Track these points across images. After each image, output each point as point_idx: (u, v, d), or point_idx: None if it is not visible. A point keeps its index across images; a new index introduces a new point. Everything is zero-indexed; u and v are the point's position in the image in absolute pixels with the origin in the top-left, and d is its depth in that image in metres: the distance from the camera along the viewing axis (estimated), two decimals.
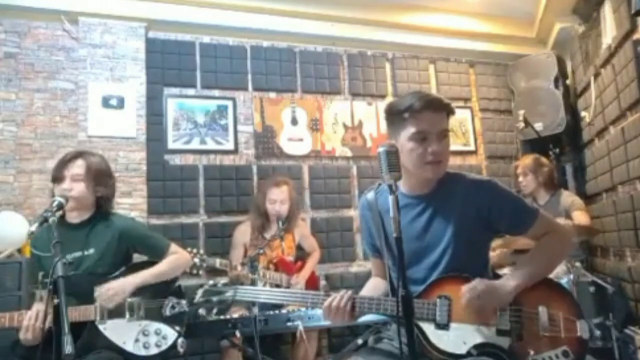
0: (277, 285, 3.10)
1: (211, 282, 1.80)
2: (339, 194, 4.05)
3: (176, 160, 3.71)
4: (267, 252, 3.15)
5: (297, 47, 4.16)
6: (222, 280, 1.90)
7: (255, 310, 2.34)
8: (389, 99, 4.29)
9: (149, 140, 3.57)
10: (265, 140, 3.93)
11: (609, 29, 3.41)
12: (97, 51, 3.51)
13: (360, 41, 4.25)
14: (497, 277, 1.59)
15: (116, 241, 2.15)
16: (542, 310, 1.48)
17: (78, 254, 2.09)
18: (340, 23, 4.11)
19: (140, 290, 2.12)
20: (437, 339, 1.47)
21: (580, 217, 3.19)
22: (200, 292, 1.76)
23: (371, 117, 4.25)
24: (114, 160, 3.38)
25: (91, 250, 2.11)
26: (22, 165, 3.34)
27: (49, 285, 1.60)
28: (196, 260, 2.84)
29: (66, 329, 1.49)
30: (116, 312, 2.05)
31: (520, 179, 3.48)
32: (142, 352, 2.04)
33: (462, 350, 1.44)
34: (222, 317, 2.53)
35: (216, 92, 3.91)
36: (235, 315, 2.64)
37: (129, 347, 2.03)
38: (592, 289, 2.76)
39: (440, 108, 1.57)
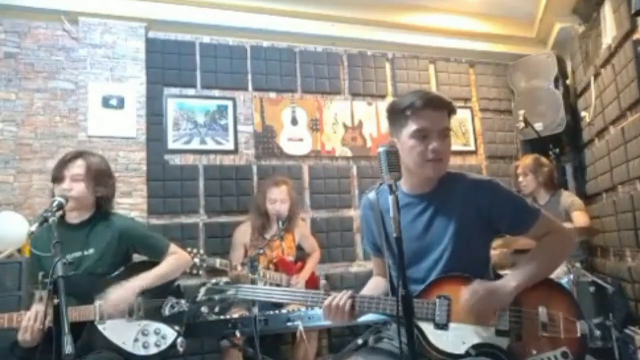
0: (277, 285, 3.10)
1: (214, 280, 1.82)
2: (339, 194, 4.05)
3: (176, 160, 3.71)
4: (267, 252, 3.15)
5: (297, 47, 4.16)
6: (224, 279, 1.91)
7: (255, 310, 2.34)
8: (389, 99, 4.29)
9: (149, 140, 3.57)
10: (265, 140, 3.94)
11: (609, 29, 3.41)
12: (97, 51, 3.51)
13: (360, 41, 4.25)
14: (498, 277, 1.59)
15: (116, 241, 2.15)
16: (542, 310, 1.48)
17: (78, 254, 2.09)
18: (340, 23, 4.11)
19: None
20: (436, 338, 1.47)
21: (580, 218, 3.19)
22: (202, 290, 1.78)
23: (371, 117, 4.25)
24: (114, 160, 3.38)
25: (91, 251, 2.11)
26: (22, 165, 3.34)
27: (49, 285, 1.60)
28: (196, 260, 2.84)
29: (66, 329, 1.49)
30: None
31: (520, 179, 3.48)
32: (142, 352, 2.04)
33: (460, 350, 1.44)
34: (222, 317, 2.53)
35: (216, 92, 3.91)
36: (235, 315, 2.64)
37: (129, 347, 2.03)
38: (592, 289, 2.76)
39: (441, 106, 1.57)
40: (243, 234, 3.30)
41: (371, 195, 1.72)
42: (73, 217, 2.15)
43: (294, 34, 4.06)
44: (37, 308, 1.91)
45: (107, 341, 2.00)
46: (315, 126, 4.09)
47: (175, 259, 2.26)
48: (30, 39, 3.49)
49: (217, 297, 1.75)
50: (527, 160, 3.50)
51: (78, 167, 2.12)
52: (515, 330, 1.46)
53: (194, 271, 2.82)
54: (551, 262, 1.61)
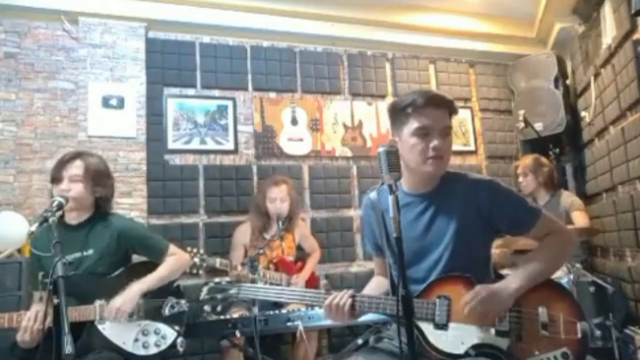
0: (278, 285, 3.10)
1: (216, 280, 1.83)
2: (339, 194, 4.05)
3: (176, 160, 3.71)
4: (267, 252, 3.16)
5: (297, 47, 4.16)
6: (226, 278, 1.92)
7: (255, 310, 2.33)
8: (389, 99, 4.29)
9: (149, 140, 3.57)
10: (265, 140, 3.94)
11: (609, 29, 3.41)
12: (97, 51, 3.51)
13: (360, 41, 4.25)
14: (499, 277, 1.59)
15: (115, 242, 2.15)
16: (542, 311, 1.48)
17: (77, 254, 2.09)
18: (340, 23, 4.11)
19: None
20: (436, 338, 1.47)
21: (580, 218, 3.19)
22: (205, 289, 1.79)
23: (371, 117, 4.25)
24: (114, 160, 3.38)
25: (90, 251, 2.10)
26: (22, 165, 3.34)
27: (49, 285, 1.60)
28: (196, 260, 2.84)
29: (66, 329, 1.49)
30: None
31: (520, 179, 3.47)
32: (142, 352, 2.04)
33: (460, 350, 1.44)
34: (222, 317, 2.53)
35: (216, 92, 3.91)
36: (235, 315, 2.64)
37: (129, 347, 2.03)
38: (592, 289, 2.75)
39: (442, 105, 1.57)
40: (243, 234, 3.30)
41: (372, 195, 1.72)
42: (72, 218, 2.15)
43: (294, 34, 4.06)
44: (37, 308, 1.91)
45: (107, 341, 2.00)
46: (315, 126, 4.09)
47: (175, 259, 2.26)
48: (30, 39, 3.49)
49: (219, 296, 1.77)
50: (527, 160, 3.49)
51: (76, 168, 2.12)
52: (515, 331, 1.46)
53: (194, 271, 2.83)
54: (552, 263, 1.61)
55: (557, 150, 3.84)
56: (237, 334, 2.55)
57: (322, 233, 3.88)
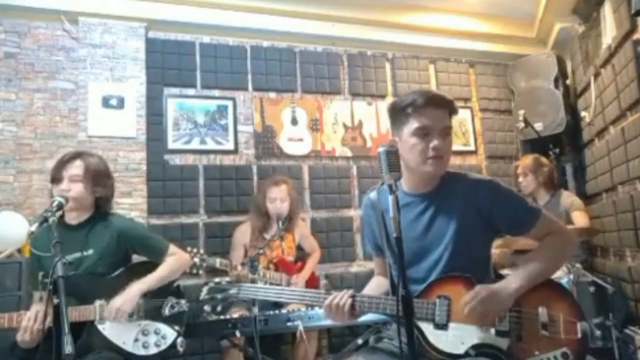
0: (278, 285, 3.10)
1: (216, 279, 1.83)
2: (339, 194, 4.05)
3: (176, 160, 3.71)
4: (267, 252, 3.16)
5: (297, 47, 4.16)
6: (227, 278, 1.93)
7: (255, 310, 2.33)
8: (389, 99, 4.29)
9: (149, 140, 3.57)
10: (265, 140, 3.94)
11: (609, 29, 3.41)
12: (97, 51, 3.51)
13: (360, 41, 4.25)
14: (500, 277, 1.59)
15: (115, 242, 2.15)
16: (542, 311, 1.48)
17: (77, 254, 2.09)
18: (340, 23, 4.11)
19: None
20: (436, 338, 1.47)
21: (580, 218, 3.19)
22: (205, 289, 1.80)
23: (371, 117, 4.25)
24: (114, 160, 3.38)
25: (90, 251, 2.10)
26: (22, 165, 3.34)
27: (49, 285, 1.60)
28: (196, 260, 2.84)
29: (66, 329, 1.49)
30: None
31: (520, 179, 3.47)
32: (142, 352, 2.04)
33: (460, 350, 1.44)
34: (222, 317, 2.53)
35: (216, 92, 3.91)
36: (235, 315, 2.64)
37: (129, 347, 2.03)
38: (592, 289, 2.75)
39: (443, 105, 1.58)
40: (243, 234, 3.30)
41: (372, 195, 1.73)
42: (72, 218, 2.15)
43: (294, 34, 4.06)
44: (37, 308, 1.91)
45: (107, 341, 2.00)
46: (315, 126, 4.09)
47: (175, 259, 2.26)
48: (30, 39, 3.49)
49: (219, 296, 1.77)
50: (527, 160, 3.49)
51: (76, 168, 2.12)
52: (515, 331, 1.46)
53: (194, 271, 2.83)
54: (553, 263, 1.61)
55: (557, 150, 3.84)
56: (237, 334, 2.55)
57: (322, 233, 3.88)
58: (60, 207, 1.84)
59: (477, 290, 1.46)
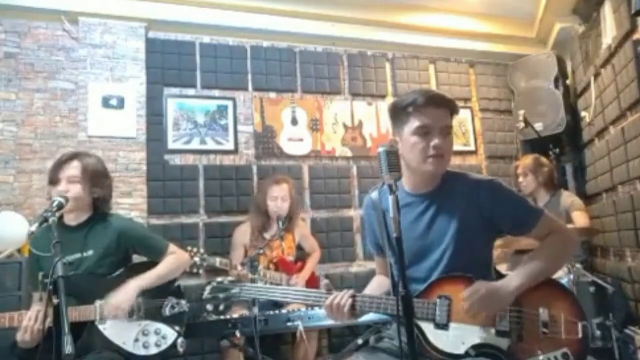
0: (278, 285, 3.10)
1: (218, 279, 1.83)
2: (339, 194, 4.05)
3: (176, 160, 3.71)
4: (267, 252, 3.16)
5: (297, 47, 4.16)
6: (229, 277, 1.94)
7: (255, 310, 2.33)
8: (389, 99, 4.29)
9: (149, 140, 3.57)
10: (265, 140, 3.93)
11: (609, 29, 3.41)
12: (97, 51, 3.51)
13: (360, 41, 4.25)
14: (500, 276, 1.59)
15: (115, 242, 2.15)
16: (543, 311, 1.48)
17: (77, 255, 2.08)
18: (340, 23, 4.11)
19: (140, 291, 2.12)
20: (436, 338, 1.47)
21: (580, 218, 3.19)
22: (208, 289, 1.80)
23: (371, 117, 4.25)
24: (114, 160, 3.39)
25: (90, 252, 2.10)
26: (22, 165, 3.34)
27: (49, 285, 1.60)
28: (196, 259, 2.84)
29: (66, 329, 1.49)
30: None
31: (520, 179, 3.47)
32: (142, 352, 2.04)
33: (460, 350, 1.44)
34: (222, 317, 2.53)
35: (216, 92, 3.91)
36: (235, 315, 2.64)
37: (129, 346, 2.03)
38: (592, 289, 2.75)
39: (443, 104, 1.58)
40: (243, 234, 3.30)
41: (373, 195, 1.73)
42: (71, 219, 2.14)
43: (294, 34, 4.05)
44: (38, 308, 1.91)
45: (107, 341, 2.00)
46: (315, 126, 4.09)
47: (175, 258, 2.26)
48: (30, 39, 3.48)
49: (221, 295, 1.77)
50: (527, 160, 3.49)
51: (73, 169, 2.11)
52: (515, 331, 1.46)
53: (194, 270, 2.83)
54: (553, 263, 1.61)
55: (557, 150, 3.84)
56: (237, 334, 2.55)
57: (322, 233, 3.88)
58: (60, 207, 1.84)
59: (477, 286, 1.46)
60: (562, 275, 2.74)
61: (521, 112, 3.99)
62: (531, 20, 4.38)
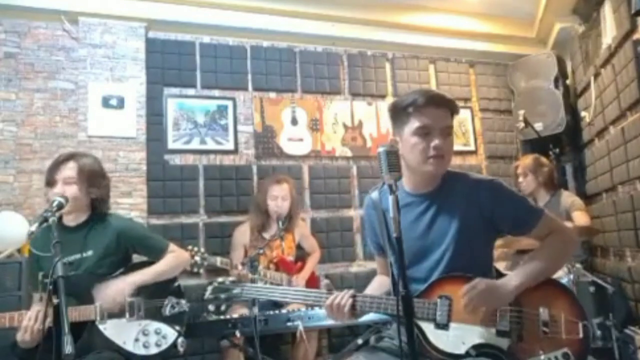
0: (278, 285, 3.10)
1: (220, 279, 1.84)
2: (339, 194, 4.05)
3: (176, 160, 3.71)
4: (267, 252, 3.16)
5: (297, 47, 4.16)
6: (230, 278, 1.94)
7: (255, 310, 2.33)
8: (389, 99, 4.29)
9: (149, 140, 3.57)
10: (265, 140, 3.93)
11: (609, 29, 3.41)
12: (97, 51, 3.51)
13: (360, 41, 4.25)
14: (501, 276, 1.59)
15: (114, 242, 2.14)
16: (543, 311, 1.48)
17: (77, 256, 2.08)
18: (340, 23, 4.11)
19: (140, 290, 2.12)
20: (436, 338, 1.47)
21: (581, 218, 3.19)
22: (209, 289, 1.81)
23: (371, 117, 4.25)
24: (114, 160, 3.39)
25: (89, 252, 2.10)
26: (22, 165, 3.34)
27: (49, 285, 1.60)
28: (197, 258, 2.83)
29: (66, 329, 1.49)
30: (116, 312, 2.05)
31: (520, 179, 3.47)
32: (142, 352, 2.04)
33: (460, 350, 1.44)
34: (222, 317, 2.53)
35: (216, 92, 3.91)
36: (235, 315, 2.64)
37: (129, 346, 2.03)
38: (592, 289, 2.76)
39: (443, 104, 1.58)
40: (242, 234, 3.30)
41: (374, 195, 1.73)
42: (70, 220, 2.14)
43: (294, 34, 4.05)
44: (38, 308, 1.91)
45: (107, 341, 2.00)
46: (315, 126, 4.09)
47: (174, 257, 2.26)
48: (30, 39, 3.48)
49: (223, 295, 1.78)
50: (527, 160, 3.49)
51: (70, 170, 2.10)
52: (516, 331, 1.46)
53: (195, 270, 2.82)
54: (554, 262, 1.61)
55: (557, 150, 3.84)
56: (237, 334, 2.55)
57: (322, 233, 3.88)
58: (60, 207, 1.84)
59: (476, 282, 1.46)
60: (562, 275, 2.74)
61: (521, 112, 3.99)
62: (531, 20, 4.38)
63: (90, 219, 2.18)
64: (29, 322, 1.87)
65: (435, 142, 1.53)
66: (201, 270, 2.91)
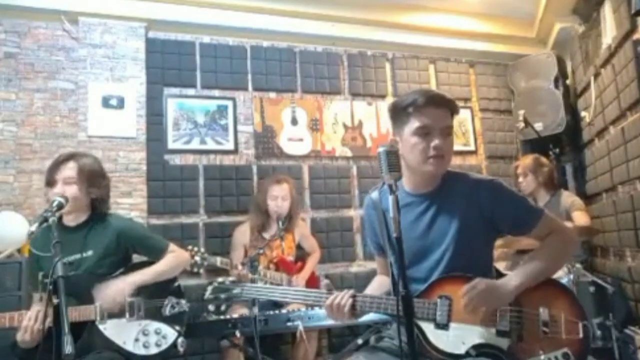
0: (278, 285, 3.10)
1: (220, 279, 1.84)
2: (339, 194, 4.05)
3: (176, 160, 3.71)
4: (267, 252, 3.16)
5: (297, 47, 4.16)
6: (230, 278, 1.94)
7: (255, 310, 2.33)
8: (389, 99, 4.29)
9: (149, 140, 3.57)
10: (265, 140, 3.93)
11: (609, 29, 3.41)
12: (97, 51, 3.51)
13: (360, 41, 4.25)
14: (501, 276, 1.59)
15: (114, 242, 2.14)
16: (543, 311, 1.48)
17: (77, 256, 2.08)
18: (340, 23, 4.11)
19: (140, 290, 2.12)
20: (436, 338, 1.47)
21: (581, 218, 3.19)
22: (210, 289, 1.81)
23: (371, 117, 4.25)
24: (114, 160, 3.39)
25: (89, 252, 2.10)
26: (22, 165, 3.34)
27: (49, 285, 1.60)
28: (197, 258, 2.83)
29: (66, 329, 1.49)
30: (116, 312, 2.05)
31: (520, 179, 3.47)
32: (142, 352, 2.04)
33: (460, 350, 1.44)
34: (222, 317, 2.53)
35: (216, 92, 3.91)
36: (235, 315, 2.64)
37: (129, 346, 2.03)
38: (592, 289, 2.76)
39: (443, 104, 1.58)
40: (242, 234, 3.30)
41: (374, 195, 1.73)
42: (70, 220, 2.14)
43: (294, 34, 4.05)
44: (38, 308, 1.91)
45: (107, 341, 2.00)
46: (315, 126, 4.09)
47: (174, 257, 2.26)
48: (30, 39, 3.48)
49: (223, 295, 1.78)
50: (527, 160, 3.49)
51: (70, 170, 2.10)
52: (516, 331, 1.46)
53: (195, 270, 2.82)
54: (554, 262, 1.61)
55: (557, 150, 3.84)
56: (237, 334, 2.55)
57: (322, 233, 3.88)
58: (60, 207, 1.84)
59: (476, 282, 1.46)
60: (562, 275, 2.74)
61: (521, 112, 3.99)
62: (531, 20, 4.38)
63: (90, 219, 2.18)
64: (29, 322, 1.87)
65: (435, 142, 1.53)
66: (201, 270, 2.91)
